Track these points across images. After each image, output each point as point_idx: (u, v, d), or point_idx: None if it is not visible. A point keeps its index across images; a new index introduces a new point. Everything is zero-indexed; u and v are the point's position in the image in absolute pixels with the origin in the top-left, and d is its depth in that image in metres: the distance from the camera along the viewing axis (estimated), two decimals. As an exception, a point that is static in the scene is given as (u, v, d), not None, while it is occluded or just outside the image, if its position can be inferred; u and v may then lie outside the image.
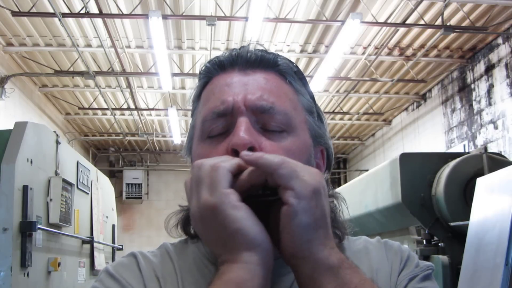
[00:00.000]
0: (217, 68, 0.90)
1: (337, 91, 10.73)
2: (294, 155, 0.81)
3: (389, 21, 7.76)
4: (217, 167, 0.71)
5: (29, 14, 7.13)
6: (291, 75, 0.90)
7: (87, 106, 11.39)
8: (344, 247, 0.91)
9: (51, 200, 3.91)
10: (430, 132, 10.44)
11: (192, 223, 0.76)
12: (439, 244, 4.72)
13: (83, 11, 7.08)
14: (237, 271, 0.67)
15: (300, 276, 0.71)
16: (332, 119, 12.20)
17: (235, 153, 0.78)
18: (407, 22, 7.53)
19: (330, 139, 0.96)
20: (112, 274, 0.85)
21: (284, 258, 0.71)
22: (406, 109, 11.65)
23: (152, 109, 11.44)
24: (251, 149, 0.78)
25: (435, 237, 4.80)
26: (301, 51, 8.95)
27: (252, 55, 0.89)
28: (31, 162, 3.63)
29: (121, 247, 6.09)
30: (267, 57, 0.89)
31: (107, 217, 5.75)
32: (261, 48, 0.91)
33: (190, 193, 0.74)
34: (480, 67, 8.70)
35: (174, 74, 9.30)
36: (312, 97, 0.94)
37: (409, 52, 8.93)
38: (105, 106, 10.96)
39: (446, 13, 7.52)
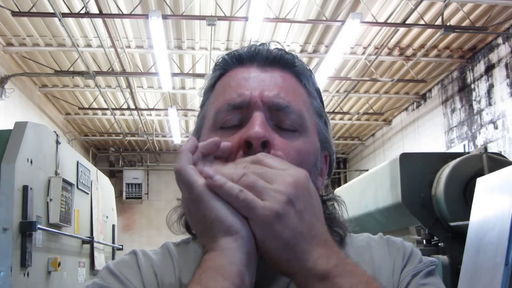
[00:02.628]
0: (235, 62, 0.91)
1: (337, 91, 10.73)
2: (304, 156, 0.83)
3: (389, 21, 7.76)
4: (180, 158, 0.74)
5: (29, 14, 7.13)
6: (306, 77, 0.92)
7: (87, 106, 11.38)
8: (346, 244, 0.91)
9: (51, 200, 3.92)
10: (430, 132, 10.44)
11: (186, 216, 0.79)
12: (439, 244, 4.72)
13: (83, 11, 7.08)
14: (216, 258, 0.68)
15: (295, 284, 0.71)
16: (332, 119, 12.19)
17: (248, 145, 0.79)
18: (407, 22, 7.53)
19: (333, 145, 0.97)
20: (112, 270, 0.86)
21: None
22: (406, 109, 11.65)
23: (152, 109, 11.44)
24: (265, 143, 0.79)
25: (435, 237, 4.80)
26: (301, 51, 8.95)
27: (272, 53, 0.90)
28: (31, 162, 3.63)
29: (121, 247, 6.09)
30: (285, 57, 0.90)
31: (107, 217, 5.76)
32: (280, 47, 0.92)
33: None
34: (480, 67, 8.70)
35: (174, 74, 9.29)
36: (322, 102, 0.95)
37: (409, 52, 8.93)
38: (105, 106, 10.96)
39: (446, 13, 7.52)
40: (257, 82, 0.86)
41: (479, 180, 4.15)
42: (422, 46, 8.58)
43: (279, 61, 0.90)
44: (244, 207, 0.69)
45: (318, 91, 0.96)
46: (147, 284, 0.86)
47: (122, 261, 0.90)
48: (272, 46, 0.92)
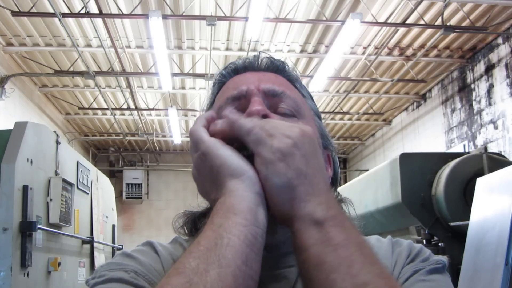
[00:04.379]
0: (231, 73, 0.97)
1: (337, 91, 10.73)
2: None
3: (389, 21, 7.76)
4: (195, 122, 0.80)
5: (29, 14, 7.13)
6: (298, 82, 0.98)
7: (87, 106, 11.38)
8: None
9: (51, 200, 3.91)
10: (430, 132, 10.44)
11: (195, 182, 0.81)
12: (439, 244, 4.72)
13: (83, 11, 7.08)
14: (225, 200, 0.70)
15: (291, 234, 0.71)
16: (332, 119, 12.20)
17: None
18: (407, 22, 7.53)
19: (335, 148, 0.97)
20: (129, 254, 0.84)
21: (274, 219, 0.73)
22: (406, 109, 11.65)
23: (152, 109, 11.44)
24: (265, 117, 0.82)
25: (435, 237, 4.80)
26: (301, 51, 8.95)
27: (263, 60, 0.97)
28: (31, 162, 3.63)
29: (121, 247, 6.09)
30: (276, 63, 0.97)
31: (107, 217, 5.75)
32: (269, 56, 0.99)
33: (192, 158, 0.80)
34: (480, 67, 8.70)
35: (174, 74, 9.30)
36: (317, 109, 0.99)
37: (409, 52, 8.93)
38: (105, 106, 10.96)
39: (446, 13, 7.52)
40: (252, 79, 0.91)
41: (479, 180, 4.15)
42: (422, 46, 8.58)
43: (270, 67, 0.96)
44: (254, 141, 0.73)
45: (311, 97, 1.00)
46: (168, 269, 0.82)
47: (139, 250, 0.87)
48: (263, 56, 0.98)
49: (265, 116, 0.82)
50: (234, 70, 0.97)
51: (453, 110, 9.61)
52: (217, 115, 0.87)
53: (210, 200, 0.77)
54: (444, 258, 0.88)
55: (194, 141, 0.78)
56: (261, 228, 0.69)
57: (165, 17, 7.11)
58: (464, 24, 7.80)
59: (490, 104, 8.39)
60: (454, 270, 4.31)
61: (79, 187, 4.68)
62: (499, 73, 8.14)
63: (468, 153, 5.21)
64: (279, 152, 0.71)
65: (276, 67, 0.97)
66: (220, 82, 0.97)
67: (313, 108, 0.97)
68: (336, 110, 11.54)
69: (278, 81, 0.92)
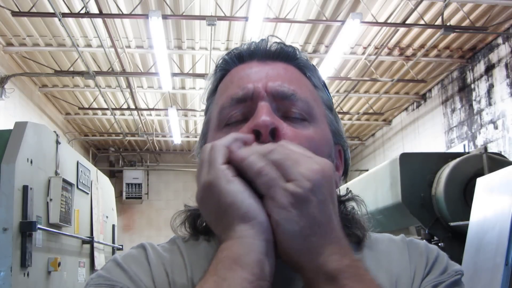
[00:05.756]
0: (235, 60, 0.88)
1: (337, 91, 10.72)
2: (316, 146, 0.79)
3: (389, 21, 7.76)
4: (215, 145, 0.70)
5: (29, 14, 7.12)
6: (310, 70, 0.89)
7: (87, 106, 11.38)
8: (364, 247, 0.87)
9: (51, 200, 3.91)
10: (430, 132, 10.44)
11: (198, 206, 0.74)
12: (439, 244, 4.72)
13: (83, 11, 7.08)
14: (233, 247, 0.65)
15: (303, 281, 0.68)
16: (332, 119, 12.18)
17: (256, 135, 0.75)
18: (407, 22, 7.53)
19: (346, 142, 0.92)
20: (120, 263, 0.81)
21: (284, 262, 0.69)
22: (406, 109, 11.65)
23: (152, 109, 11.44)
24: (274, 131, 0.75)
25: (435, 237, 4.80)
26: (301, 51, 8.93)
27: (272, 47, 0.87)
28: (31, 162, 3.63)
29: (121, 247, 6.09)
30: (286, 50, 0.87)
31: (107, 217, 5.75)
32: (279, 41, 0.89)
33: (197, 177, 0.73)
34: (480, 67, 8.70)
35: (174, 74, 9.29)
36: (330, 96, 0.92)
37: (409, 52, 8.93)
38: (105, 106, 10.96)
39: (446, 13, 7.52)
40: (259, 74, 0.83)
41: (479, 180, 4.15)
42: (422, 46, 8.58)
43: (280, 54, 0.87)
44: (265, 183, 0.66)
45: (324, 84, 0.92)
46: (158, 282, 0.79)
47: (130, 255, 0.84)
48: (272, 41, 0.89)
49: (274, 131, 0.75)
50: (239, 57, 0.88)
51: (453, 110, 9.61)
52: (218, 114, 0.83)
53: (215, 231, 0.70)
54: (461, 267, 0.84)
55: (205, 161, 0.70)
56: (267, 281, 0.65)
57: (165, 17, 7.11)
58: (464, 24, 7.80)
59: (490, 104, 8.39)
60: (454, 270, 4.30)
61: (79, 187, 4.68)
62: (499, 73, 8.14)
63: (468, 153, 5.21)
64: (294, 197, 0.64)
65: (286, 55, 0.87)
66: (223, 70, 0.89)
67: (325, 101, 0.89)
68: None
69: (288, 76, 0.84)
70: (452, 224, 4.55)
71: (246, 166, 0.67)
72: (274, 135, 0.75)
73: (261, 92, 0.79)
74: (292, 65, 0.87)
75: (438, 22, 7.62)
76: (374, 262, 0.83)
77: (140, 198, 14.76)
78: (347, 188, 0.91)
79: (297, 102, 0.80)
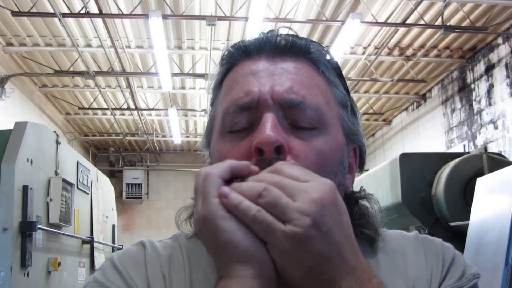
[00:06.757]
0: (241, 54, 0.82)
1: (337, 91, 10.72)
2: (326, 157, 0.75)
3: (389, 21, 7.76)
4: (208, 175, 0.65)
5: (29, 14, 7.12)
6: (324, 64, 0.81)
7: (87, 106, 11.38)
8: (378, 249, 0.83)
9: (51, 200, 3.91)
10: (430, 132, 10.44)
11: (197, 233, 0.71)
12: (439, 244, 4.72)
13: (83, 11, 7.08)
14: (231, 286, 0.61)
15: None
16: (332, 119, 12.18)
17: (259, 152, 0.71)
18: (407, 22, 7.53)
19: (363, 135, 0.87)
20: (116, 265, 0.78)
21: None
22: (406, 109, 11.65)
23: (152, 109, 11.44)
24: (279, 148, 0.70)
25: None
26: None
27: (282, 40, 0.80)
28: (31, 162, 3.63)
29: (121, 247, 6.09)
30: (298, 43, 0.80)
31: (107, 217, 5.75)
32: (291, 33, 0.82)
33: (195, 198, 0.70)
34: (480, 67, 8.70)
35: (174, 74, 9.29)
36: (347, 89, 0.85)
37: (409, 52, 8.93)
38: (105, 106, 10.96)
39: (446, 13, 7.52)
40: (266, 76, 0.77)
41: (479, 180, 4.15)
42: (422, 46, 8.58)
43: (291, 48, 0.79)
44: (262, 230, 0.61)
45: (340, 74, 0.84)
46: (153, 286, 0.77)
47: (128, 254, 0.81)
48: (283, 34, 0.82)
49: (279, 148, 0.70)
50: (246, 52, 0.81)
51: (453, 110, 9.61)
52: (222, 119, 0.79)
53: (215, 264, 0.66)
54: (477, 270, 0.80)
55: (199, 191, 0.65)
56: None
57: (165, 17, 7.11)
58: (464, 24, 7.80)
59: (490, 104, 8.39)
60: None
61: (79, 187, 4.68)
62: (499, 73, 8.14)
63: (468, 153, 5.22)
64: (295, 239, 0.59)
65: (298, 49, 0.79)
66: (228, 63, 0.83)
67: (339, 99, 0.82)
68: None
69: (299, 78, 0.77)
70: (452, 224, 4.55)
71: (240, 214, 0.62)
72: (279, 150, 0.71)
73: (267, 101, 0.74)
74: (304, 60, 0.80)
75: (438, 22, 7.62)
76: (390, 266, 0.80)
77: (140, 198, 14.76)
78: (361, 187, 0.87)
79: (306, 110, 0.75)
